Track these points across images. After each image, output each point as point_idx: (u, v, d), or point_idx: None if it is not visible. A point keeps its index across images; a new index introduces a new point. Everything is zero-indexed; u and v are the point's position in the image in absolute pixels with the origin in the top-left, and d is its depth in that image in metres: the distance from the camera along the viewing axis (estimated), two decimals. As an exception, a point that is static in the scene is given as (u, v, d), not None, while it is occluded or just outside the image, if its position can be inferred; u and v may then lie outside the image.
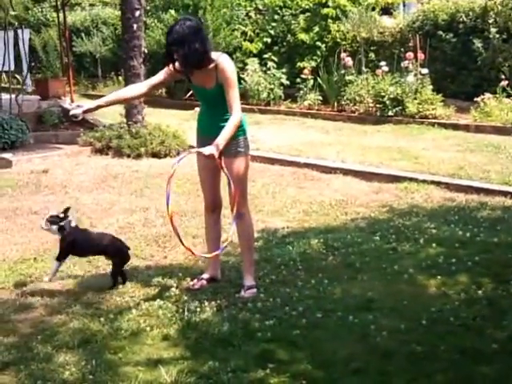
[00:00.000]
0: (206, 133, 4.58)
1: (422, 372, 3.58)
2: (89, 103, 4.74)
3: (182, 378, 3.51)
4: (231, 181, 4.54)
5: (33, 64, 13.94)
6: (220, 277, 4.92)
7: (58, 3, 13.12)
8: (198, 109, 4.93)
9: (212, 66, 4.43)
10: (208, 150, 4.30)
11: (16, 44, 12.52)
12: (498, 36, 11.48)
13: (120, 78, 14.53)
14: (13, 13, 11.62)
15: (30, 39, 13.92)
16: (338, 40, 13.53)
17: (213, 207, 4.86)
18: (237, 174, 4.62)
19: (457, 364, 3.66)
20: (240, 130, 4.58)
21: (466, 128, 10.54)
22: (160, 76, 4.67)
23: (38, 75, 13.36)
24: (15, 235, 6.04)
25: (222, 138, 4.36)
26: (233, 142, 4.56)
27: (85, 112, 4.63)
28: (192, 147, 4.61)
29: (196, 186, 7.27)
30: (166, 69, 4.62)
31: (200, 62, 4.39)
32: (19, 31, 11.96)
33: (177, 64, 4.44)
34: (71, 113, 4.61)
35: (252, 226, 4.91)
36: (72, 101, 12.03)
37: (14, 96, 10.34)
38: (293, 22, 14.13)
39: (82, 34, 17.11)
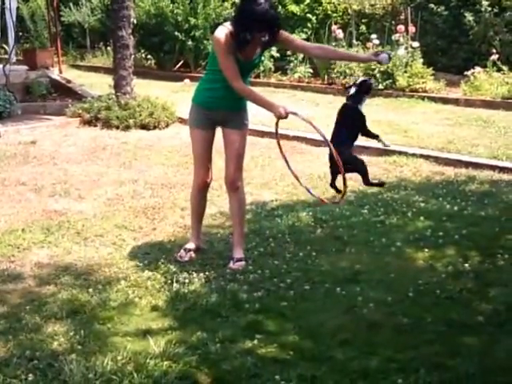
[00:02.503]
0: (222, 106, 4.52)
1: (408, 343, 3.62)
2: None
3: (171, 348, 3.53)
4: (229, 152, 4.64)
5: (20, 34, 13.76)
6: (203, 246, 4.95)
7: (46, -28, 12.93)
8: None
9: None
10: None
11: (3, 13, 12.35)
12: (489, 9, 11.45)
13: (109, 48, 14.39)
14: None
15: (17, 8, 13.72)
16: (329, 12, 13.45)
17: (205, 184, 4.83)
18: (238, 146, 4.62)
19: (443, 336, 3.70)
20: (246, 100, 4.58)
21: (456, 102, 10.55)
22: (234, 61, 4.34)
23: (26, 45, 13.20)
24: (3, 206, 6.02)
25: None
26: (238, 114, 4.56)
27: None
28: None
29: (185, 159, 7.27)
30: (228, 51, 4.31)
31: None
32: (6, 0, 11.78)
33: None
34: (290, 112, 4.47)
35: (245, 200, 4.93)
36: (60, 71, 11.93)
37: (0, 66, 10.22)
38: (284, -7, 14.02)
39: (71, 4, 16.87)
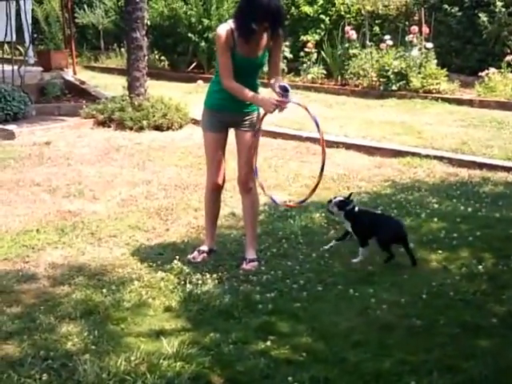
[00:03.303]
0: (231, 108, 4.53)
1: (421, 346, 3.61)
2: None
3: (184, 349, 3.54)
4: (241, 153, 4.67)
5: (35, 35, 13.85)
6: (216, 248, 4.96)
7: (61, -26, 13.00)
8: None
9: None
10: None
11: (18, 15, 12.42)
12: (503, 10, 11.39)
13: (122, 50, 14.45)
14: None
15: (32, 10, 13.81)
16: (343, 13, 13.41)
17: (218, 186, 4.83)
18: (250, 148, 4.64)
19: (456, 338, 3.68)
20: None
21: (470, 103, 10.50)
22: (229, 58, 4.40)
23: (41, 47, 13.29)
24: (18, 207, 6.06)
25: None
26: (250, 116, 4.58)
27: None
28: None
29: (198, 160, 7.29)
30: (225, 48, 4.37)
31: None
32: (21, 2, 11.86)
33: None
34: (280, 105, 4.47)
35: (258, 201, 4.94)
36: (74, 73, 11.99)
37: (16, 67, 10.29)
38: (297, -6, 14.01)
39: (85, 6, 16.97)
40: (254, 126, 4.66)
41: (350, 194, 4.93)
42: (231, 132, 4.75)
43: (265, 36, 4.43)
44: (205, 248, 4.88)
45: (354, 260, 4.72)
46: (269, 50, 4.51)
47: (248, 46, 4.40)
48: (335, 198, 4.91)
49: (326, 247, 4.89)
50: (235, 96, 4.47)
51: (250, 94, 4.44)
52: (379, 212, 5.42)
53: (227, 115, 4.57)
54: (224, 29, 4.39)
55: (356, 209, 4.81)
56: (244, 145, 4.65)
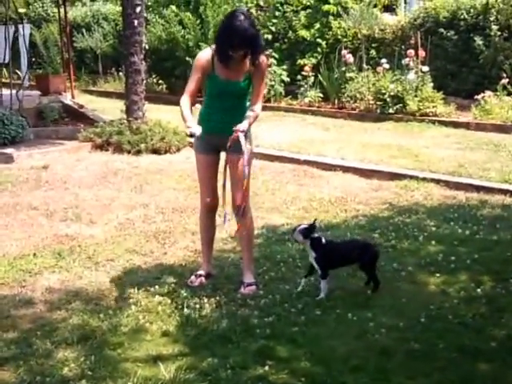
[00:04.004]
0: (218, 131, 4.53)
1: (420, 370, 3.59)
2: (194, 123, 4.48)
3: (181, 374, 3.52)
4: (234, 177, 4.65)
5: (33, 59, 13.92)
6: (213, 272, 4.94)
7: (59, -2, 13.10)
8: (198, 105, 4.91)
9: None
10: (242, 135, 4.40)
11: (16, 39, 12.50)
12: (499, 34, 11.46)
13: (121, 73, 14.52)
14: (22, 10, 11.61)
15: (30, 34, 13.90)
16: (339, 37, 13.50)
17: (211, 207, 4.85)
18: (242, 171, 4.63)
19: (455, 362, 3.66)
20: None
21: (467, 126, 10.53)
22: (197, 79, 4.54)
23: (39, 71, 13.35)
24: (15, 231, 6.05)
25: (246, 125, 4.45)
26: (239, 139, 4.58)
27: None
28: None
29: (196, 183, 7.26)
30: (198, 68, 4.52)
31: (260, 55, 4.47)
32: (20, 26, 11.93)
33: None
34: (197, 134, 4.40)
35: (253, 224, 4.93)
36: (73, 97, 12.04)
37: (14, 91, 10.33)
38: (294, 18, 14.11)
39: (83, 30, 17.08)
40: (242, 149, 4.63)
41: (314, 221, 4.75)
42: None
43: (246, 61, 4.48)
44: (202, 272, 4.87)
45: (317, 298, 4.51)
46: (251, 77, 4.53)
47: (228, 69, 4.48)
48: (299, 226, 4.74)
49: (298, 289, 4.64)
50: (222, 119, 4.55)
51: (185, 112, 4.51)
52: (347, 239, 5.37)
53: (215, 138, 4.57)
54: (204, 53, 4.56)
55: (323, 240, 4.64)
56: (235, 168, 4.66)
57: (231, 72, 4.48)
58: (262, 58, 4.54)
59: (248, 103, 4.66)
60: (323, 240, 4.65)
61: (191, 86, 4.58)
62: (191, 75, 4.59)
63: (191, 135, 4.42)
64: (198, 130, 4.37)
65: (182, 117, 4.51)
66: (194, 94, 4.59)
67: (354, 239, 5.37)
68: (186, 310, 4.32)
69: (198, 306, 4.38)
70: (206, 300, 4.45)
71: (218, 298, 4.51)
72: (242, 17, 4.35)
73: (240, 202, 4.65)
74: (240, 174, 4.62)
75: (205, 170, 4.76)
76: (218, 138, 4.53)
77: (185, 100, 4.55)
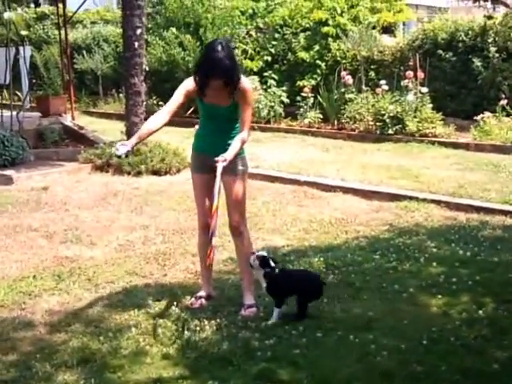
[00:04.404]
0: (209, 151, 4.55)
1: (422, 393, 3.56)
2: (128, 143, 4.58)
3: (182, 397, 3.50)
4: (229, 199, 4.68)
5: (34, 81, 13.98)
6: (214, 294, 4.92)
7: (60, 21, 13.19)
8: (197, 127, 4.93)
9: None
10: (223, 164, 4.38)
11: (17, 61, 12.56)
12: (497, 55, 11.54)
13: (121, 95, 14.55)
14: (24, 32, 11.68)
15: (31, 56, 13.96)
16: (339, 58, 13.58)
17: (208, 226, 4.83)
18: (236, 192, 4.65)
19: (458, 384, 3.64)
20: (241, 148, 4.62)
21: (466, 146, 10.56)
22: (179, 99, 4.60)
23: (39, 92, 13.39)
24: (15, 253, 6.03)
25: (231, 154, 4.43)
26: (234, 160, 4.59)
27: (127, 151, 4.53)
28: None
29: (196, 204, 7.28)
30: (182, 91, 4.58)
31: (238, 85, 4.47)
32: (20, 48, 12.00)
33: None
34: (118, 154, 4.47)
35: (251, 245, 4.91)
36: (73, 118, 12.07)
37: (14, 113, 10.36)
38: (293, 40, 14.20)
39: (84, 52, 17.16)
40: (236, 170, 4.65)
41: (275, 260, 4.65)
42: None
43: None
44: (202, 294, 4.85)
45: (267, 323, 4.45)
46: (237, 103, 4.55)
47: (212, 95, 4.51)
48: (260, 251, 4.70)
49: (269, 322, 4.51)
50: (214, 140, 4.60)
51: (140, 130, 4.73)
52: (300, 269, 5.28)
53: (207, 158, 4.56)
54: (192, 78, 4.59)
55: (276, 270, 4.56)
56: (229, 189, 4.69)
57: (215, 97, 4.52)
58: (245, 86, 4.54)
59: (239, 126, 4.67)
60: (276, 271, 4.58)
61: (170, 105, 4.62)
62: (174, 95, 4.62)
63: (116, 155, 4.53)
64: (120, 151, 4.44)
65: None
66: (170, 113, 4.60)
67: (305, 271, 5.21)
68: (186, 332, 4.30)
69: (198, 328, 4.36)
70: (206, 322, 4.43)
71: (218, 320, 4.49)
72: (220, 47, 4.40)
73: (236, 222, 4.71)
74: (234, 195, 4.65)
75: (200, 189, 4.79)
76: (212, 158, 4.53)
77: (153, 116, 4.68)
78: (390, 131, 11.26)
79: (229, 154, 4.42)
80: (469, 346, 4.09)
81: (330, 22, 13.83)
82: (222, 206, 4.71)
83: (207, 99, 4.56)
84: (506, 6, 9.33)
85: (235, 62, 4.48)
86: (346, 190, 8.06)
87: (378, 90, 11.89)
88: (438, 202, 7.40)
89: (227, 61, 4.38)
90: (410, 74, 11.59)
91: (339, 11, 13.94)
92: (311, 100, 12.83)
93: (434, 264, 5.50)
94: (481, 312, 4.56)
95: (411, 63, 12.20)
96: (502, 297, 4.81)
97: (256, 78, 13.77)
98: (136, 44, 9.64)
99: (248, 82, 4.63)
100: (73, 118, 12.09)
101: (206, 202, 4.75)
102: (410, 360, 3.91)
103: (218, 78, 4.39)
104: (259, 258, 4.59)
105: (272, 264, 4.59)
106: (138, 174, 9.17)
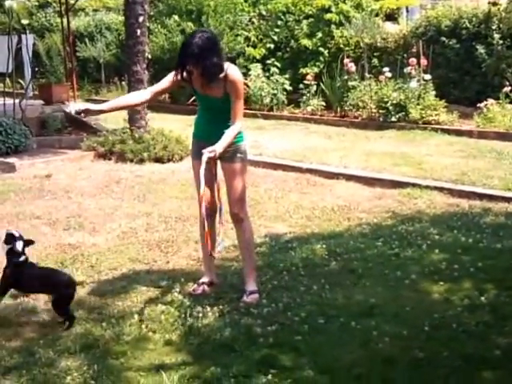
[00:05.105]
0: (206, 138, 4.56)
1: (424, 378, 3.58)
2: (92, 106, 4.62)
3: (184, 383, 3.51)
4: (228, 186, 4.68)
5: (36, 69, 13.97)
6: (216, 280, 4.93)
7: (62, 9, 13.16)
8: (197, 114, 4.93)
9: (221, 75, 4.45)
10: (208, 154, 4.35)
11: (20, 49, 12.54)
12: (501, 42, 11.48)
13: (123, 83, 14.54)
14: (25, 21, 11.66)
15: (33, 44, 13.94)
16: (341, 46, 13.53)
17: (209, 212, 4.84)
18: (236, 180, 4.66)
19: (459, 370, 3.65)
20: (238, 136, 4.63)
21: (469, 134, 10.52)
22: (165, 83, 4.65)
23: (42, 80, 13.39)
24: (18, 240, 6.04)
25: (222, 145, 4.40)
26: (231, 148, 4.59)
27: (86, 112, 4.46)
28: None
29: (199, 191, 7.29)
30: (170, 76, 4.60)
31: (216, 74, 4.42)
32: (23, 36, 11.98)
33: (185, 74, 4.44)
34: (73, 108, 4.43)
35: (252, 232, 4.93)
36: (75, 106, 12.06)
37: (17, 101, 10.36)
38: (296, 27, 14.14)
39: (86, 40, 17.14)
40: (234, 157, 4.65)
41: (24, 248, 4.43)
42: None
43: (220, 79, 4.45)
44: (205, 280, 4.87)
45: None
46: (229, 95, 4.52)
47: (200, 85, 4.50)
48: (14, 231, 4.50)
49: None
50: (209, 128, 4.61)
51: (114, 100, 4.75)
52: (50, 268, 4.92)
53: (205, 144, 4.55)
54: None
55: (22, 258, 4.37)
56: (228, 176, 4.70)
57: (207, 89, 4.51)
58: (235, 77, 4.48)
59: None
60: (21, 258, 4.40)
61: (156, 86, 4.68)
62: (163, 79, 4.66)
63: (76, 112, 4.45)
64: (70, 107, 4.52)
65: None
66: (153, 93, 4.67)
67: (54, 270, 4.83)
68: (188, 318, 4.31)
69: (200, 314, 4.37)
70: (208, 309, 4.44)
71: (220, 306, 4.50)
72: (198, 35, 4.38)
73: (236, 209, 4.72)
74: (233, 183, 4.67)
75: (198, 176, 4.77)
76: (207, 144, 4.52)
77: (135, 92, 4.79)
78: (393, 118, 11.23)
79: (219, 146, 4.39)
80: (470, 332, 4.10)
81: (333, 9, 13.77)
82: (223, 194, 4.73)
83: (202, 90, 4.55)
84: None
85: (210, 49, 4.35)
86: (349, 178, 8.06)
87: (381, 78, 11.84)
88: (440, 189, 7.39)
89: (197, 46, 4.32)
90: (413, 61, 11.54)
91: (342, -2, 13.89)
92: (314, 87, 12.78)
93: (437, 251, 5.50)
94: (483, 298, 4.57)
95: (414, 50, 12.14)
96: (504, 283, 4.81)
97: (259, 65, 13.74)
98: (138, 32, 9.63)
99: (238, 73, 4.54)
100: (75, 106, 12.06)
101: (207, 188, 4.75)
102: (411, 346, 3.92)
103: (187, 62, 4.37)
104: (8, 234, 4.42)
105: (18, 248, 4.36)
106: (141, 161, 9.17)
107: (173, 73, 4.58)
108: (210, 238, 4.57)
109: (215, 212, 4.84)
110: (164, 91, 4.83)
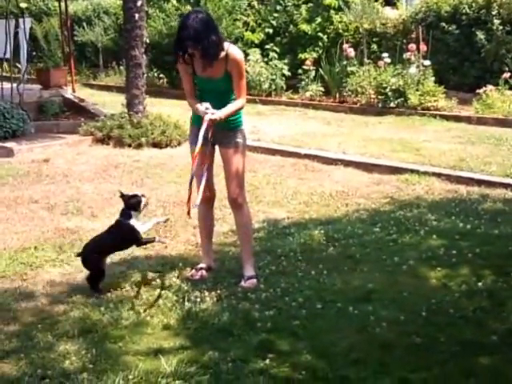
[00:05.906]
0: None
1: (421, 363, 3.59)
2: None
3: (182, 367, 3.52)
4: (227, 171, 4.68)
5: (34, 53, 13.90)
6: (214, 266, 4.94)
7: (60, -8, 13.07)
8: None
9: (222, 55, 4.44)
10: (210, 115, 4.39)
11: (17, 33, 12.45)
12: (501, 28, 11.44)
13: (121, 67, 14.49)
14: (23, 5, 11.57)
15: (31, 28, 13.84)
16: (341, 31, 13.47)
17: (207, 198, 4.83)
18: (234, 165, 4.65)
19: (456, 356, 3.66)
20: (238, 121, 4.64)
21: (468, 120, 10.52)
22: (188, 82, 4.62)
23: (40, 64, 13.32)
24: (16, 224, 6.05)
25: (224, 113, 4.43)
26: (230, 133, 4.59)
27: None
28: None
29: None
30: (182, 72, 4.59)
31: (217, 53, 4.41)
32: (20, 20, 11.90)
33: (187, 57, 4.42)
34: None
35: (250, 217, 4.93)
36: (73, 90, 12.02)
37: (15, 85, 10.32)
38: (295, 12, 14.07)
39: (84, 24, 17.03)
40: (233, 143, 4.65)
41: None
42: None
43: (221, 59, 4.44)
44: (203, 265, 4.87)
45: None
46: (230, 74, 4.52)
47: (200, 66, 4.47)
48: None
49: None
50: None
51: (195, 105, 4.59)
52: None
53: None
54: None
55: None
56: (227, 162, 4.69)
57: (208, 70, 4.48)
58: (236, 56, 4.49)
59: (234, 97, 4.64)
60: None
61: (186, 87, 4.67)
62: (183, 79, 4.66)
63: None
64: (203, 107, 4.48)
65: (197, 112, 4.57)
66: (193, 92, 4.64)
67: None
68: (186, 303, 4.32)
69: (198, 299, 4.38)
70: (206, 293, 4.45)
71: (218, 291, 4.52)
72: (192, 15, 4.36)
73: (234, 194, 4.71)
74: (232, 168, 4.65)
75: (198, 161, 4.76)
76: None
77: (192, 101, 4.63)
78: (392, 104, 11.21)
79: (221, 112, 4.42)
80: (468, 317, 4.12)
81: (332, -6, 13.70)
82: (221, 179, 4.73)
83: (202, 72, 4.52)
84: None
85: (207, 29, 4.34)
86: (347, 163, 8.05)
87: (380, 63, 11.81)
88: (438, 175, 7.39)
89: (193, 29, 4.30)
90: (412, 46, 11.51)
91: (341, -18, 13.80)
92: (313, 73, 12.74)
93: (434, 237, 5.51)
94: (480, 284, 4.58)
95: (414, 36, 12.10)
96: (502, 269, 4.82)
97: (257, 50, 13.69)
98: (136, 16, 9.57)
99: (239, 52, 4.56)
100: (73, 91, 12.03)
101: (206, 174, 4.75)
102: (409, 332, 3.93)
103: (186, 47, 4.35)
104: None
105: None
106: (139, 146, 9.15)
107: (179, 67, 4.56)
108: (191, 200, 4.55)
109: (212, 199, 4.85)
110: (194, 88, 4.67)
